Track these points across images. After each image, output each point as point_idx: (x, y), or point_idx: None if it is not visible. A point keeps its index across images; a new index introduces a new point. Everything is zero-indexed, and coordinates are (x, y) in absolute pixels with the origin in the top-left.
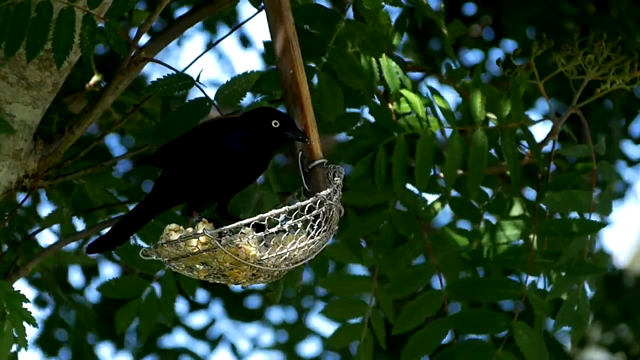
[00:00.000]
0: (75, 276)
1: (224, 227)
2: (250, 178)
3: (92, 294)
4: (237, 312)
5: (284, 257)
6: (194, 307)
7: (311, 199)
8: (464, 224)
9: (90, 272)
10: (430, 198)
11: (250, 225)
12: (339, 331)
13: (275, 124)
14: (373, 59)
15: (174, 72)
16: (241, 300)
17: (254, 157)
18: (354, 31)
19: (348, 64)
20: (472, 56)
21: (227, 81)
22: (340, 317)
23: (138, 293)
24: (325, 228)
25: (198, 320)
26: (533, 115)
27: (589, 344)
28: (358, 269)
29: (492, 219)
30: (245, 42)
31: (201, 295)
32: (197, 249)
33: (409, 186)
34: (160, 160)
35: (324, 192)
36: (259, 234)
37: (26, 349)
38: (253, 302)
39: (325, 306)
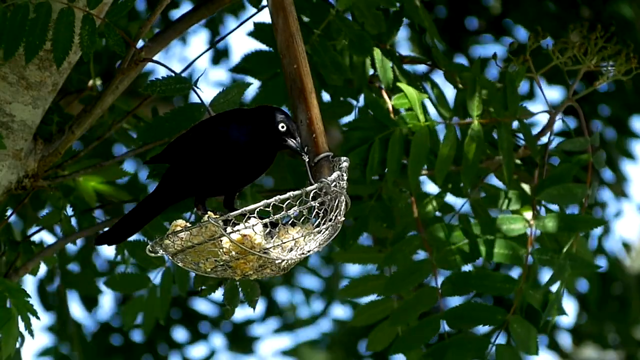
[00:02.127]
0: (75, 307)
1: (229, 214)
2: (254, 171)
3: (91, 324)
4: (239, 343)
5: (290, 247)
6: (195, 337)
7: (315, 184)
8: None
9: (90, 302)
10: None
11: (255, 214)
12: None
13: (282, 127)
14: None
15: (173, 74)
16: (243, 330)
17: (256, 149)
18: (341, 28)
19: (330, 58)
20: (481, 49)
21: (222, 90)
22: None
23: (140, 288)
24: (331, 217)
25: (198, 352)
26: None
27: (585, 341)
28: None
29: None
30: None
31: (203, 326)
32: (202, 239)
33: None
34: (168, 156)
35: (328, 178)
36: (264, 220)
37: (33, 336)
38: (253, 331)
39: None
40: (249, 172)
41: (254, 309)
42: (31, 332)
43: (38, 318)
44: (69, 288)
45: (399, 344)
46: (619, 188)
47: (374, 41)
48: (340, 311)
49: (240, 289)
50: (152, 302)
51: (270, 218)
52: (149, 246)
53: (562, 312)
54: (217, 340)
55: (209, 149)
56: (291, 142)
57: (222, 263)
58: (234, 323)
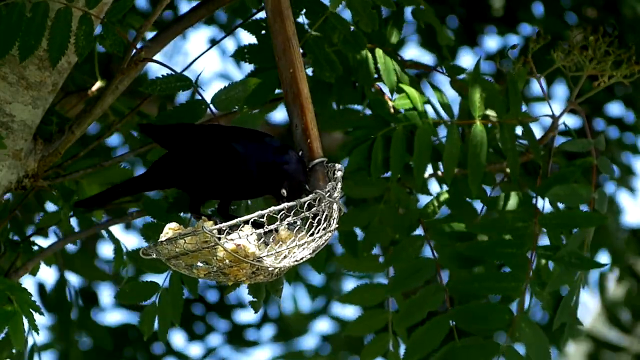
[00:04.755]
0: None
1: (223, 224)
2: (254, 193)
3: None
4: (238, 343)
5: (283, 255)
6: (192, 337)
7: (310, 195)
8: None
9: (90, 302)
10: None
11: (250, 223)
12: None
13: (284, 192)
14: (369, 54)
15: (173, 72)
16: (241, 331)
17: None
18: (337, 25)
19: (324, 56)
20: (491, 42)
21: (225, 86)
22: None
23: (150, 295)
24: (324, 225)
25: (196, 350)
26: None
27: None
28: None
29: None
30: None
31: (199, 327)
32: (196, 247)
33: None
34: (166, 141)
35: (323, 190)
36: (257, 231)
37: (37, 332)
38: (253, 334)
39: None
40: (248, 194)
41: (280, 297)
42: (36, 329)
43: (42, 314)
44: (69, 269)
45: (410, 347)
46: (624, 182)
47: (377, 44)
48: (341, 310)
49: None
50: (164, 307)
51: (265, 228)
52: (142, 249)
53: (577, 322)
54: (215, 339)
55: (220, 168)
56: (281, 202)
57: (215, 269)
58: (234, 323)
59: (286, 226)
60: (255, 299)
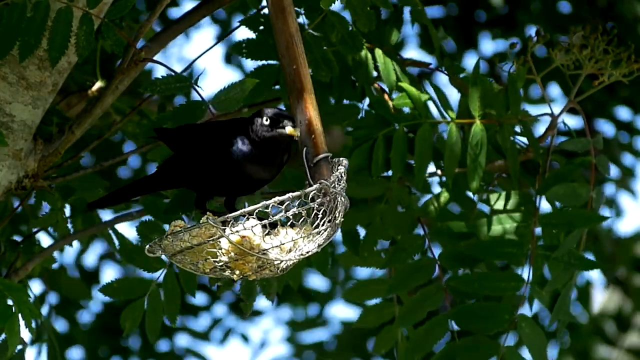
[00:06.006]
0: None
1: (227, 215)
2: (257, 184)
3: (93, 305)
4: (240, 312)
5: (289, 248)
6: (196, 310)
7: (315, 186)
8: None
9: (91, 278)
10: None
11: (254, 215)
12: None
13: (266, 120)
14: (369, 54)
15: (173, 73)
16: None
17: (259, 163)
18: (335, 24)
19: (321, 55)
20: (490, 45)
21: (224, 87)
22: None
23: (141, 293)
24: (330, 218)
25: (203, 321)
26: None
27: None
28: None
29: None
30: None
31: (201, 298)
32: (201, 240)
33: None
34: (174, 144)
35: (327, 180)
36: (262, 221)
37: (33, 334)
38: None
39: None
40: (252, 186)
41: (272, 302)
42: (32, 330)
43: (39, 316)
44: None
45: (411, 346)
46: (624, 183)
47: (376, 44)
48: (344, 311)
49: (257, 283)
50: (155, 305)
51: (269, 219)
52: (147, 247)
53: (570, 317)
54: (220, 309)
55: (211, 167)
56: (280, 131)
57: (221, 264)
58: (236, 293)
59: (292, 217)
60: (246, 302)
